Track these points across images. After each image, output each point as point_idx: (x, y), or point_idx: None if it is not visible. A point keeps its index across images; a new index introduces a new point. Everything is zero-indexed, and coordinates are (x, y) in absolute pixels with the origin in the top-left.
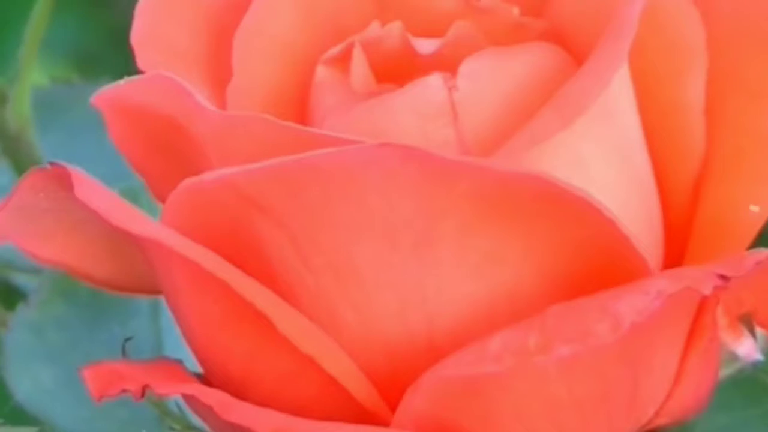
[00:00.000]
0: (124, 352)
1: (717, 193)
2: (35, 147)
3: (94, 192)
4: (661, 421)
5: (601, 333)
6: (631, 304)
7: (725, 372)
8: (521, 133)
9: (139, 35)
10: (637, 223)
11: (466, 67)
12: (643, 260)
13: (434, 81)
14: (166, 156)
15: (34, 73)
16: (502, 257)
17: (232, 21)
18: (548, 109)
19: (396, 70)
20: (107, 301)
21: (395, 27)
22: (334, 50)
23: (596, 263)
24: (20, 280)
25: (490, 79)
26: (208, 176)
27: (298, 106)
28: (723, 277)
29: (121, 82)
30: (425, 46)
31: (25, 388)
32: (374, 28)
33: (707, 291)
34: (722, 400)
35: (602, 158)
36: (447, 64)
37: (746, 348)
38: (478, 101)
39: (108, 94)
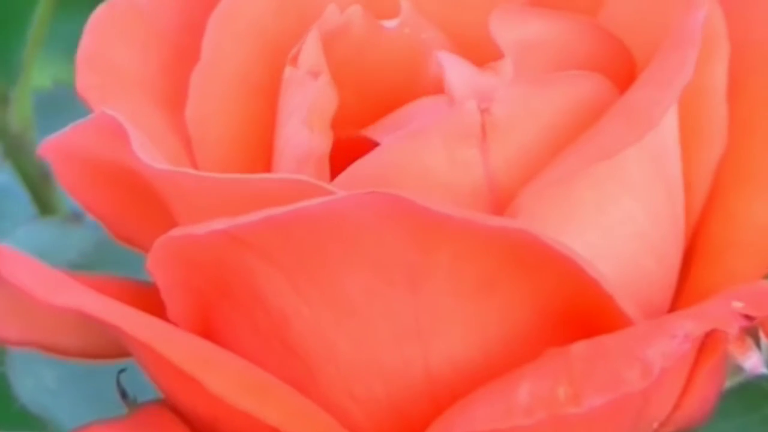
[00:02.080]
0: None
1: (730, 204)
2: (36, 148)
3: (18, 267)
4: (666, 430)
5: (631, 380)
6: (659, 349)
7: (729, 382)
8: (589, 145)
9: (83, 54)
10: (664, 228)
11: (502, 93)
12: (626, 317)
13: (469, 104)
14: (121, 198)
15: (36, 75)
16: (494, 288)
17: (187, 42)
18: (616, 121)
19: (360, 58)
20: None
21: (355, 11)
22: (297, 48)
23: (582, 310)
24: None
25: (526, 105)
26: (199, 229)
27: (270, 94)
28: (748, 316)
29: (67, 127)
30: (389, 23)
31: (27, 388)
32: (332, 14)
33: (733, 331)
34: (722, 406)
35: (640, 162)
36: (410, 48)
37: (753, 362)
38: (511, 127)
39: (53, 142)
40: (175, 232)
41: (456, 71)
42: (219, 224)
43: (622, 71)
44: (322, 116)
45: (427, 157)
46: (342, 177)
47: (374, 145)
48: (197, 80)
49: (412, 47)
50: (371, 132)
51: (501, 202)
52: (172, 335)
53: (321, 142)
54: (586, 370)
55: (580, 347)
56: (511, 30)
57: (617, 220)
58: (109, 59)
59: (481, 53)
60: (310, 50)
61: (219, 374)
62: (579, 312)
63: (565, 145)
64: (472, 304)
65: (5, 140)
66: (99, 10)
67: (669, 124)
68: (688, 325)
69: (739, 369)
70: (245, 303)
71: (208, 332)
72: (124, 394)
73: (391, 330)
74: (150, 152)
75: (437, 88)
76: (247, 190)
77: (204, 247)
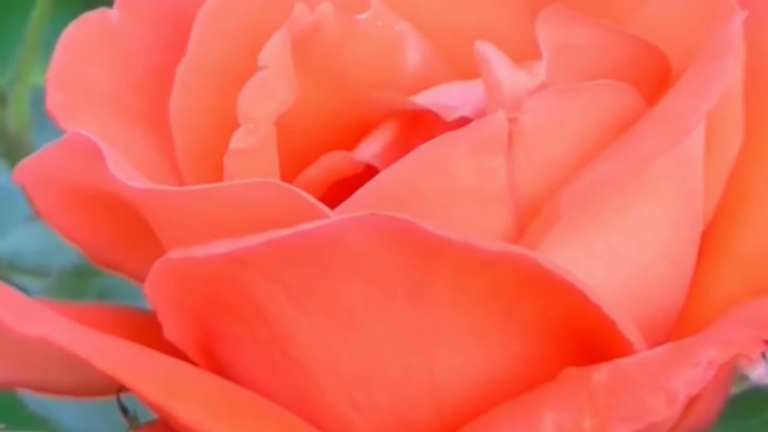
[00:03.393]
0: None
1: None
2: (35, 148)
3: None
4: None
5: (657, 409)
6: (684, 377)
7: (734, 390)
8: (627, 150)
9: (53, 72)
10: (683, 235)
11: (531, 102)
12: (628, 342)
13: (498, 114)
14: (99, 221)
15: (34, 74)
16: (495, 303)
17: (158, 62)
18: (653, 126)
19: (338, 55)
20: (113, 303)
21: (326, 9)
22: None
23: (584, 329)
24: (20, 280)
25: (553, 116)
26: (199, 252)
27: None
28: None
29: (41, 149)
30: (361, 15)
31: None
32: (302, 13)
33: (755, 357)
34: (722, 410)
35: (666, 169)
36: (385, 40)
37: (759, 372)
38: (538, 136)
39: (28, 166)
40: (173, 254)
41: (501, 65)
42: (219, 248)
43: (657, 77)
44: (265, 112)
45: (454, 164)
46: (373, 182)
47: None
48: (182, 72)
49: (387, 39)
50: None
51: (525, 208)
52: (142, 364)
53: (260, 139)
54: (611, 401)
55: (601, 375)
56: (553, 31)
57: (639, 225)
58: (77, 77)
59: (450, 46)
60: (273, 48)
61: (189, 402)
62: (582, 329)
63: (590, 155)
64: (474, 315)
65: (2, 140)
66: (70, 29)
67: (696, 132)
68: (712, 353)
69: (744, 378)
70: (245, 317)
71: (207, 348)
72: (125, 411)
73: (393, 341)
74: (126, 171)
75: (416, 78)
76: (219, 198)
77: (202, 267)
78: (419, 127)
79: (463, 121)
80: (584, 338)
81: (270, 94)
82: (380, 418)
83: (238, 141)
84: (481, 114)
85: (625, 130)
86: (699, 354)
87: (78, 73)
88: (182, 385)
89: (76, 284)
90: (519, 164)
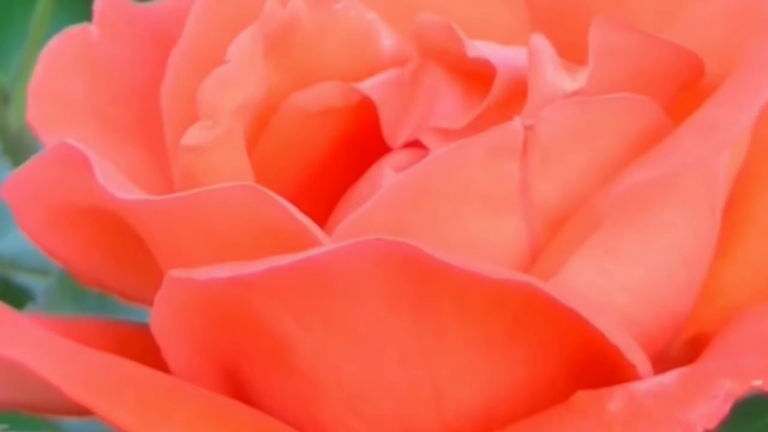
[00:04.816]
0: None
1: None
2: (36, 146)
3: None
4: None
5: None
6: (701, 411)
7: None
8: (666, 157)
9: (34, 85)
10: (701, 241)
11: (549, 112)
12: (633, 367)
13: (515, 122)
14: (87, 238)
15: None
16: (499, 322)
17: (137, 77)
18: (691, 135)
19: (316, 48)
20: (114, 303)
21: (298, 3)
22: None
23: (590, 354)
24: (21, 279)
25: (572, 126)
26: (200, 274)
27: None
28: None
29: (26, 162)
30: (336, 5)
31: None
32: (274, 9)
33: None
34: None
35: (691, 176)
36: (360, 30)
37: (765, 381)
38: (555, 145)
39: (14, 180)
40: (175, 273)
41: (550, 62)
42: (221, 272)
43: (690, 81)
44: (228, 107)
45: (468, 167)
46: (393, 185)
47: None
48: (174, 58)
49: (362, 29)
50: None
51: (539, 215)
52: (117, 393)
53: (218, 136)
54: None
55: (616, 405)
56: (602, 34)
57: (661, 228)
58: (57, 89)
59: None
60: (240, 44)
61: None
62: (586, 350)
63: (607, 166)
64: (477, 333)
65: (5, 138)
66: (52, 43)
67: None
68: (728, 385)
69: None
70: (247, 331)
71: (209, 354)
72: None
73: (396, 354)
74: (115, 179)
75: (394, 65)
76: (199, 203)
77: (204, 288)
78: (421, 72)
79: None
80: (589, 357)
81: (232, 89)
82: (383, 427)
83: (189, 138)
84: (514, 80)
85: (645, 144)
86: (716, 386)
87: (58, 85)
88: (158, 414)
89: (77, 284)
90: (533, 171)
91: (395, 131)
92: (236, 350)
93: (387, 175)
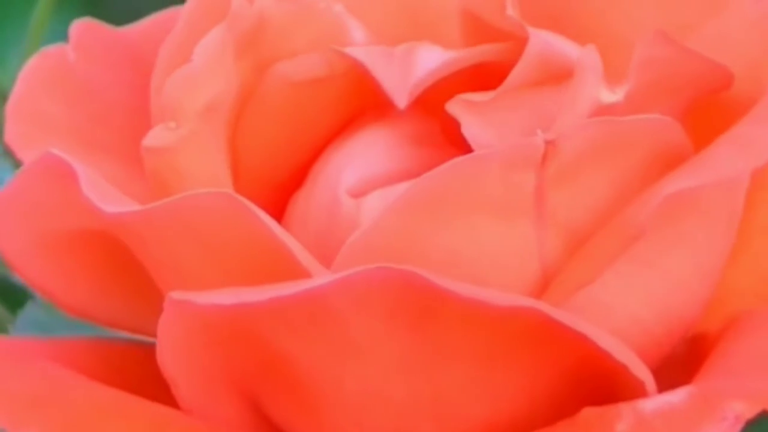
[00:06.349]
0: None
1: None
2: None
3: None
4: None
5: None
6: None
7: None
8: (703, 169)
9: (12, 104)
10: (716, 252)
11: (571, 129)
12: (641, 384)
13: (537, 137)
14: (72, 263)
15: None
16: (504, 340)
17: (116, 97)
18: (729, 148)
19: (288, 44)
20: None
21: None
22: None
23: (596, 370)
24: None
25: (593, 144)
26: (201, 299)
27: None
28: None
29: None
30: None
31: None
32: (241, 8)
33: None
34: None
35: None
36: (330, 23)
37: None
38: (575, 161)
39: None
40: (175, 295)
41: (594, 73)
42: (224, 298)
43: (718, 91)
44: (193, 106)
45: (483, 175)
46: (410, 188)
47: None
48: (164, 51)
49: (332, 22)
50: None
51: (552, 227)
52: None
53: (181, 136)
54: None
55: (624, 427)
56: (649, 49)
57: (679, 238)
58: (35, 109)
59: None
60: (207, 43)
61: None
62: (592, 367)
63: (627, 184)
64: (481, 351)
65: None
66: (30, 62)
67: None
68: (738, 407)
69: None
70: (248, 348)
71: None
72: None
73: (397, 365)
74: (101, 189)
75: None
76: (175, 211)
77: (205, 311)
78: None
79: None
80: (591, 372)
81: (197, 88)
82: None
83: (151, 139)
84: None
85: (664, 163)
86: (725, 408)
87: (36, 104)
88: None
89: None
90: (549, 182)
91: (398, 91)
92: (244, 370)
93: (344, 201)
